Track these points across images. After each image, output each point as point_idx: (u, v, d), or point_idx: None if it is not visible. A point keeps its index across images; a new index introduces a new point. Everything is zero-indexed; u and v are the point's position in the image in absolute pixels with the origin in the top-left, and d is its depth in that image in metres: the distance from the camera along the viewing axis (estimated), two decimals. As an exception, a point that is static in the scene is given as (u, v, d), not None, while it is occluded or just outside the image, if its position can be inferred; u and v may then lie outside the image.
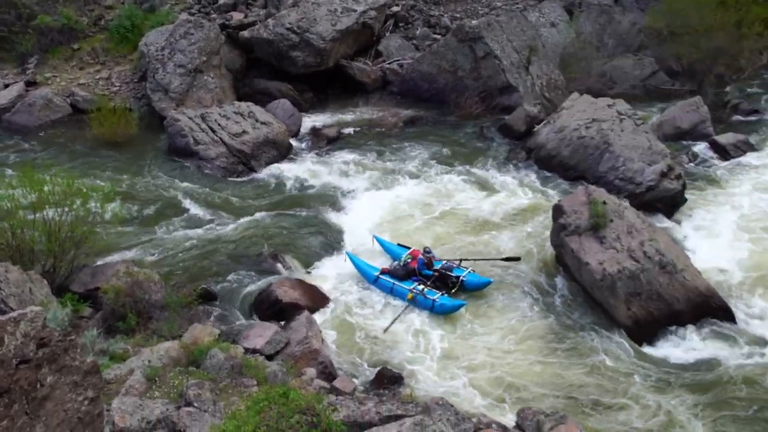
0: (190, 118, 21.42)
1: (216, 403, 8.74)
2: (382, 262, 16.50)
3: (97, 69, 26.03)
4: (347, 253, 16.64)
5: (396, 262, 16.02)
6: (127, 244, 16.96)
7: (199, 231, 17.71)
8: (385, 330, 14.34)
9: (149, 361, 10.18)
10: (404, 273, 15.55)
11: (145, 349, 10.80)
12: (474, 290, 15.43)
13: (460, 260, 15.99)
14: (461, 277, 15.40)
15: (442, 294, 14.98)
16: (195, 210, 18.69)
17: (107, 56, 26.47)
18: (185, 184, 20.01)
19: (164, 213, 18.53)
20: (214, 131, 21.23)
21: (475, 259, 16.13)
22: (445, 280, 15.45)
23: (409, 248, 16.42)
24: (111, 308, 12.92)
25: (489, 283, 15.47)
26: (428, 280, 15.35)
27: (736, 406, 12.49)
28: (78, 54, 26.48)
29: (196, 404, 8.46)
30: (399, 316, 14.68)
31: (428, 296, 14.86)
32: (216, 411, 8.41)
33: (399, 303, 15.16)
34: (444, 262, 15.82)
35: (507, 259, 16.17)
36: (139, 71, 25.18)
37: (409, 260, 15.77)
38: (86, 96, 24.40)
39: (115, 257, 16.09)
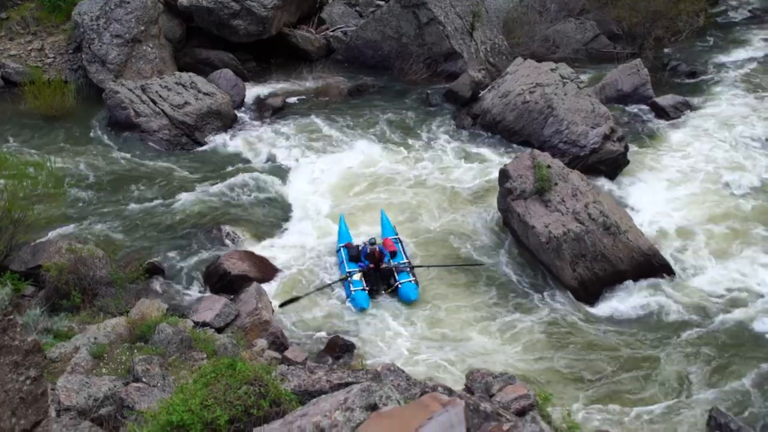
0: (130, 90, 20.83)
1: (165, 378, 8.65)
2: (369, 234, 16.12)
3: (28, 39, 24.98)
4: (341, 215, 16.53)
5: (363, 242, 15.28)
6: (68, 220, 16.52)
7: (144, 205, 17.36)
8: (284, 304, 14.13)
9: (95, 339, 9.99)
10: (355, 254, 15.09)
11: (91, 327, 10.60)
12: (402, 300, 14.41)
13: (413, 266, 15.00)
14: (398, 284, 14.52)
15: (364, 290, 14.29)
16: (139, 184, 18.27)
17: (39, 26, 25.39)
18: (127, 157, 19.52)
19: (106, 188, 18.09)
20: (155, 103, 20.71)
21: (429, 266, 15.15)
22: (385, 279, 14.81)
23: (395, 234, 15.92)
24: (54, 286, 12.62)
25: (412, 300, 14.30)
26: (367, 270, 14.72)
27: (676, 357, 12.95)
28: (7, 24, 25.34)
29: (144, 380, 8.36)
30: (311, 293, 14.46)
31: (352, 286, 14.40)
32: (165, 386, 8.33)
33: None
34: (403, 261, 15.03)
35: (466, 266, 15.16)
36: (73, 42, 24.28)
37: (367, 244, 15.04)
38: (18, 68, 23.47)
39: (57, 234, 15.70)
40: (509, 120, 20.43)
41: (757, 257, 15.44)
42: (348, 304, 14.37)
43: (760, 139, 20.17)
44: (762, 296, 14.34)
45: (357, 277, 14.60)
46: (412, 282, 14.59)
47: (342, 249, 15.37)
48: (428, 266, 15.15)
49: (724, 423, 7.18)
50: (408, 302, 14.30)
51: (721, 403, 11.55)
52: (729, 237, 16.13)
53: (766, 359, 12.68)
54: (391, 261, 15.04)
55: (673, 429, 11.23)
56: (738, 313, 13.99)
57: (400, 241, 15.77)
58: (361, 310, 14.11)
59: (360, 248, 15.15)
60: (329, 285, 14.74)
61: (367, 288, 14.43)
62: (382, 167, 19.27)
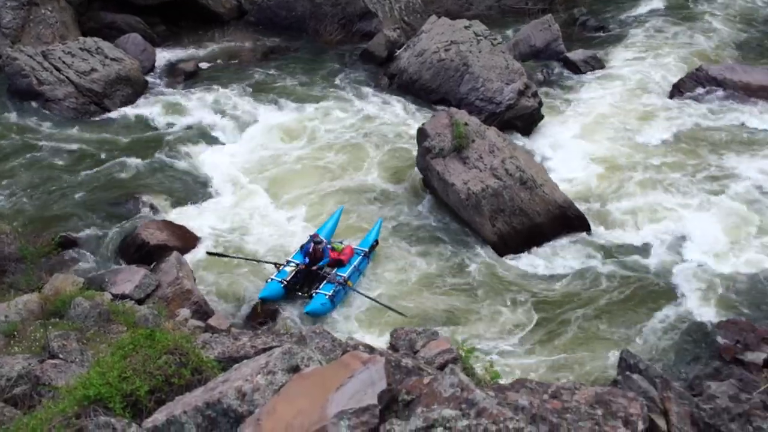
0: (30, 57, 19.77)
1: (84, 353, 8.42)
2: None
3: None
4: (341, 207, 15.72)
5: (328, 241, 14.35)
6: (-30, 196, 15.76)
7: (53, 176, 16.69)
8: (213, 254, 14.13)
9: (6, 317, 9.62)
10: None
11: (1, 305, 10.18)
12: (306, 311, 13.18)
13: (344, 285, 13.48)
14: (313, 292, 13.38)
15: (281, 283, 13.40)
16: (46, 155, 17.50)
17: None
18: (32, 127, 18.61)
19: (10, 160, 17.24)
20: (59, 70, 19.76)
21: (354, 289, 13.64)
22: (311, 283, 13.67)
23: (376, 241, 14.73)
24: (-43, 266, 12.06)
25: (315, 316, 13.08)
26: (298, 265, 13.78)
27: (590, 305, 13.48)
28: None
29: (61, 356, 8.11)
30: (241, 258, 14.22)
31: (275, 276, 13.61)
32: (84, 361, 8.10)
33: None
34: (341, 276, 13.52)
35: (392, 310, 12.94)
36: (-37, 6, 22.86)
37: (317, 242, 13.84)
38: None
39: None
40: (426, 79, 20.48)
41: (667, 207, 16.06)
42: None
43: (664, 90, 20.90)
44: (672, 245, 14.97)
45: (288, 268, 13.72)
46: (327, 297, 13.16)
47: (310, 237, 14.21)
48: (364, 295, 13.50)
49: (633, 363, 7.54)
50: (309, 314, 13.09)
51: (631, 345, 12.16)
52: (641, 187, 16.73)
53: (673, 305, 13.35)
54: (335, 270, 13.77)
55: (588, 371, 11.75)
56: (650, 262, 14.62)
57: (366, 257, 14.34)
58: (262, 299, 13.29)
59: (314, 243, 13.93)
60: (261, 261, 14.24)
61: (285, 282, 13.45)
62: (299, 130, 19.05)
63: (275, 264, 14.02)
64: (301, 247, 14.08)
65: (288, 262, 13.96)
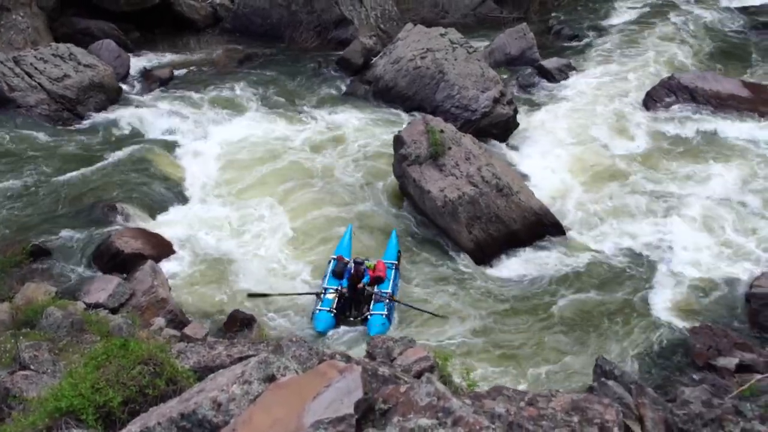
0: (1, 62, 19.50)
1: (56, 364, 8.29)
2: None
3: None
4: (350, 225, 15.48)
5: (354, 260, 14.03)
6: (-61, 205, 15.46)
7: (25, 184, 16.41)
8: (253, 295, 13.67)
9: (-25, 328, 9.45)
10: (340, 271, 13.91)
11: (-30, 316, 10.00)
12: (368, 332, 12.92)
13: (392, 299, 13.57)
14: (368, 314, 13.30)
15: (330, 312, 13.18)
16: (17, 163, 17.20)
17: None
18: (2, 134, 18.26)
19: (-19, 168, 16.98)
20: (31, 76, 19.52)
21: (399, 302, 13.73)
22: (360, 305, 13.59)
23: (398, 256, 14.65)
24: (-76, 276, 11.83)
25: (372, 335, 12.35)
26: (339, 290, 13.58)
27: (567, 312, 13.58)
28: None
29: (32, 367, 7.97)
30: (283, 294, 13.72)
31: (320, 305, 13.33)
32: (56, 372, 7.98)
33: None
34: (385, 291, 13.54)
35: (434, 315, 13.43)
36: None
37: (351, 263, 13.90)
38: None
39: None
40: (402, 86, 20.54)
41: (641, 214, 16.25)
42: (311, 322, 13.32)
43: (637, 98, 21.15)
44: (646, 252, 15.11)
45: (330, 295, 13.44)
46: (383, 316, 13.17)
47: (332, 260, 14.24)
48: (409, 306, 13.63)
49: (608, 370, 7.60)
50: (369, 332, 12.83)
51: (606, 351, 12.24)
52: (615, 194, 16.90)
53: (647, 311, 13.48)
54: (375, 287, 13.69)
55: (564, 378, 11.81)
56: (624, 269, 14.74)
57: (397, 269, 14.35)
58: (321, 332, 12.95)
59: (346, 265, 13.99)
60: (301, 294, 13.79)
61: (335, 311, 13.27)
62: (275, 138, 19.00)
63: (316, 294, 13.68)
64: (334, 273, 13.89)
65: (326, 289, 13.62)
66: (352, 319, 13.47)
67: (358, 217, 16.08)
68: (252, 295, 13.71)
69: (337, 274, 13.90)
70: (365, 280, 13.63)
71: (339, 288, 13.63)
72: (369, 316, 13.24)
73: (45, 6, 23.39)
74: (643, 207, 16.45)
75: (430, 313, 13.42)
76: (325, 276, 14.05)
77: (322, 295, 13.51)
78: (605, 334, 12.97)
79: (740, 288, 13.79)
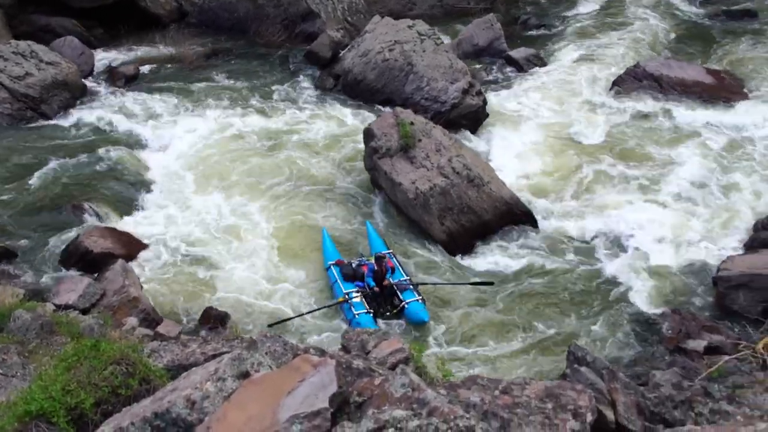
0: (-40, 62, 19.16)
1: (25, 367, 8.18)
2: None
3: None
4: (323, 229, 15.18)
5: (356, 260, 14.15)
6: None
7: (-11, 186, 16.16)
8: (273, 324, 12.73)
9: (-59, 333, 9.27)
10: (353, 273, 13.68)
11: (-64, 320, 9.79)
12: (411, 321, 13.14)
13: (416, 283, 13.62)
14: (404, 303, 13.18)
15: (369, 313, 13.01)
16: (-20, 164, 16.95)
17: None
18: (-36, 135, 17.99)
19: (-57, 170, 16.65)
20: (-9, 75, 19.17)
21: (435, 283, 13.88)
22: (389, 299, 13.50)
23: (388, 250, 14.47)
24: None
25: (424, 321, 13.03)
26: (368, 291, 13.47)
27: (539, 301, 13.69)
28: None
29: (1, 370, 7.88)
30: (304, 314, 13.19)
31: (353, 309, 13.01)
32: (26, 375, 7.88)
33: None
34: (404, 278, 13.64)
35: (477, 284, 13.75)
36: None
37: (364, 262, 13.89)
38: None
39: None
40: (371, 79, 20.50)
41: (610, 201, 16.38)
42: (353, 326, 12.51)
43: (604, 86, 21.34)
44: (616, 238, 15.25)
45: (357, 298, 13.21)
46: (419, 301, 13.20)
47: (333, 267, 13.93)
48: (433, 284, 13.88)
49: (581, 356, 7.69)
50: (419, 323, 13.04)
51: (579, 338, 12.40)
52: (584, 182, 17.02)
53: (618, 297, 13.64)
54: (394, 278, 13.67)
55: (538, 366, 11.93)
56: (595, 256, 14.90)
57: (394, 256, 14.33)
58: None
59: (354, 266, 13.80)
60: (325, 307, 13.40)
61: (371, 311, 13.14)
62: (244, 133, 18.87)
63: (339, 303, 13.36)
64: (345, 276, 13.64)
65: (349, 294, 13.29)
66: (387, 314, 13.37)
67: (331, 212, 16.02)
68: (272, 325, 12.72)
69: (350, 277, 13.66)
70: (388, 275, 13.50)
71: (363, 288, 13.50)
72: (406, 306, 13.15)
73: (3, 3, 22.92)
74: (612, 193, 16.61)
75: (471, 283, 13.67)
76: (335, 282, 13.76)
77: (349, 301, 13.19)
78: (578, 320, 13.12)
79: (708, 272, 14.01)
